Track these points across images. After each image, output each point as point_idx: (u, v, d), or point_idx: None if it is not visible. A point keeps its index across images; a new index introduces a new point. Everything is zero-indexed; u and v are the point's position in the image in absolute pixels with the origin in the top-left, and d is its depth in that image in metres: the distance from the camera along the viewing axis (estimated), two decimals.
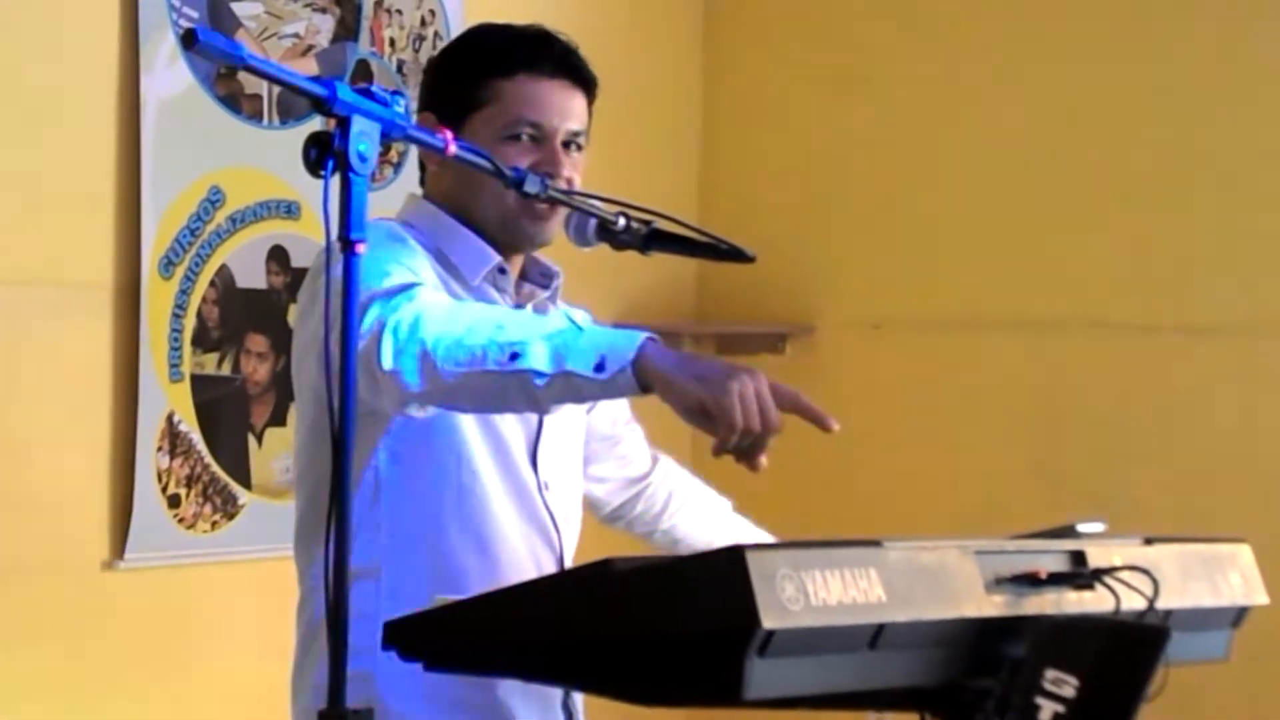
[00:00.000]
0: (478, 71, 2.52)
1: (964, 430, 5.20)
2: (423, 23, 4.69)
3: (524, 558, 2.48)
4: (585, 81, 2.56)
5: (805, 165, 5.50)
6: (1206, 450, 4.85)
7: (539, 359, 2.06)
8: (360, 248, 1.94)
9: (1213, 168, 4.95)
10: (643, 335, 2.06)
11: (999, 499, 4.92)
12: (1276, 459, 4.78)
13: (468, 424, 2.43)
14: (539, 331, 2.10)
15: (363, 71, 4.54)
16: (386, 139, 2.02)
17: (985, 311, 5.15)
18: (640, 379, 2.03)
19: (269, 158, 4.31)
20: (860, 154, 5.40)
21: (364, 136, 1.96)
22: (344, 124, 1.95)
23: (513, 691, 2.40)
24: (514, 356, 2.07)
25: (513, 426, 2.49)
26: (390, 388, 2.17)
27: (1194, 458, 4.86)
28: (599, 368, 2.04)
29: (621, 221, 2.40)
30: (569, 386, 2.06)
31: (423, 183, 2.61)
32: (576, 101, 2.54)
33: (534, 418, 2.51)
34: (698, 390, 2.00)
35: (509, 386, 2.09)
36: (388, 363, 2.14)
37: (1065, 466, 4.96)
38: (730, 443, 1.99)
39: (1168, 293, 4.96)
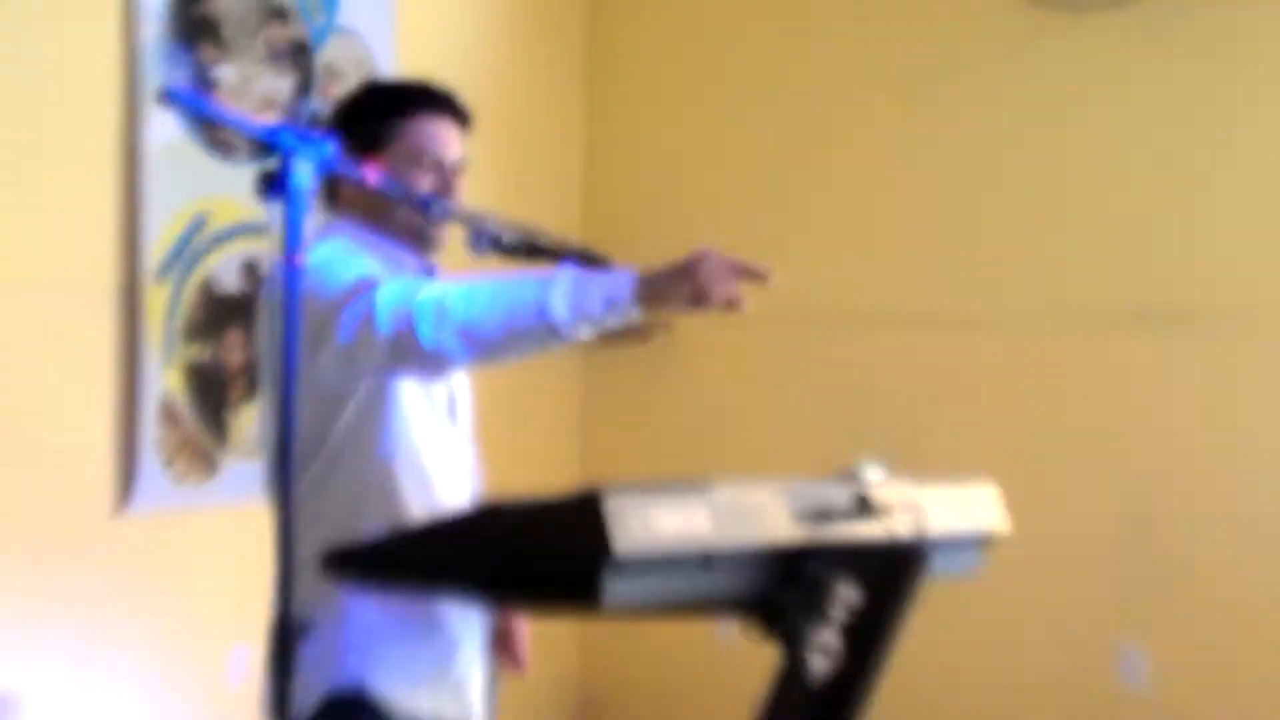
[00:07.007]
0: (383, 114, 2.52)
1: (791, 405, 5.22)
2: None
3: (457, 503, 2.46)
4: (466, 119, 2.57)
5: (668, 181, 5.49)
6: (969, 419, 4.92)
7: (561, 310, 2.15)
8: (298, 260, 1.92)
9: (973, 175, 4.94)
10: (629, 273, 2.18)
11: (815, 456, 4.94)
12: (1016, 423, 4.85)
13: (410, 388, 2.41)
14: (553, 288, 2.16)
15: (316, 122, 4.50)
16: (322, 172, 2.00)
17: (810, 308, 5.17)
18: (640, 304, 2.17)
19: (243, 189, 4.24)
20: (713, 172, 5.40)
21: (303, 171, 1.95)
22: (287, 161, 1.94)
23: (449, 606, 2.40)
24: (540, 312, 2.15)
25: (436, 389, 2.47)
26: (431, 361, 2.20)
27: (961, 423, 4.91)
28: (608, 304, 2.16)
29: (505, 237, 2.40)
30: (589, 323, 2.17)
31: (331, 204, 2.57)
32: (459, 134, 2.55)
33: (446, 383, 2.51)
34: (680, 293, 2.17)
35: (540, 334, 2.17)
36: (429, 343, 2.15)
37: (869, 430, 5.00)
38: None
39: (946, 291, 4.99)
